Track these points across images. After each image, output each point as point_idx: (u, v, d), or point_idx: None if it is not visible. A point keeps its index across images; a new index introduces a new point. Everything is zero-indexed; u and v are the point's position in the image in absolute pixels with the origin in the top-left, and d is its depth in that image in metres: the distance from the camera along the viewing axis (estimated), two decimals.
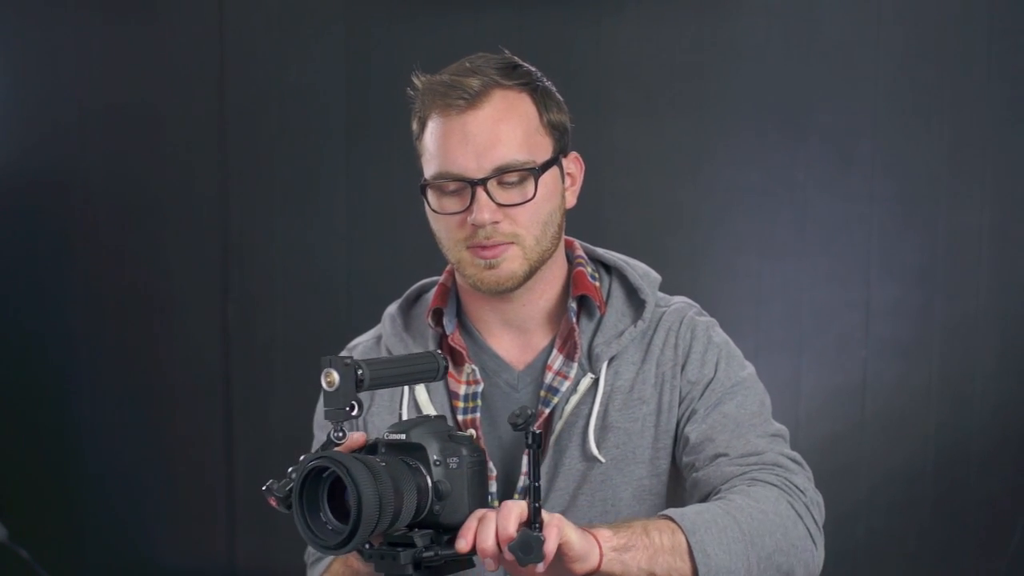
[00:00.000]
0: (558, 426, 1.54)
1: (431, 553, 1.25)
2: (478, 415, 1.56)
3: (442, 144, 1.49)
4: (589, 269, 1.61)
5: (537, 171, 1.50)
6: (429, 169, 1.52)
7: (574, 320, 1.57)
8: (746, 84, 3.10)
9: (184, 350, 3.31)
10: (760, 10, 3.08)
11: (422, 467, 1.26)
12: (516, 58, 1.56)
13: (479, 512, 1.26)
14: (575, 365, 1.56)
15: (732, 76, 3.10)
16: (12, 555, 2.78)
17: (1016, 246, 3.08)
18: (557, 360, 1.57)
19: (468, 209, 1.48)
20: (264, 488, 1.24)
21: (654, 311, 1.59)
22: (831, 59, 3.08)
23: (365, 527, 1.16)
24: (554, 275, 1.58)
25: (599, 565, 1.28)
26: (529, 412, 1.22)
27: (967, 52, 3.05)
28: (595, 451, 1.53)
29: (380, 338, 1.65)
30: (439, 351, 1.48)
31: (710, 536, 1.34)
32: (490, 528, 1.23)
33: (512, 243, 1.49)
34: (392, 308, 1.67)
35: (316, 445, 1.67)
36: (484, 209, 1.47)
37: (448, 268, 1.63)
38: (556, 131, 1.55)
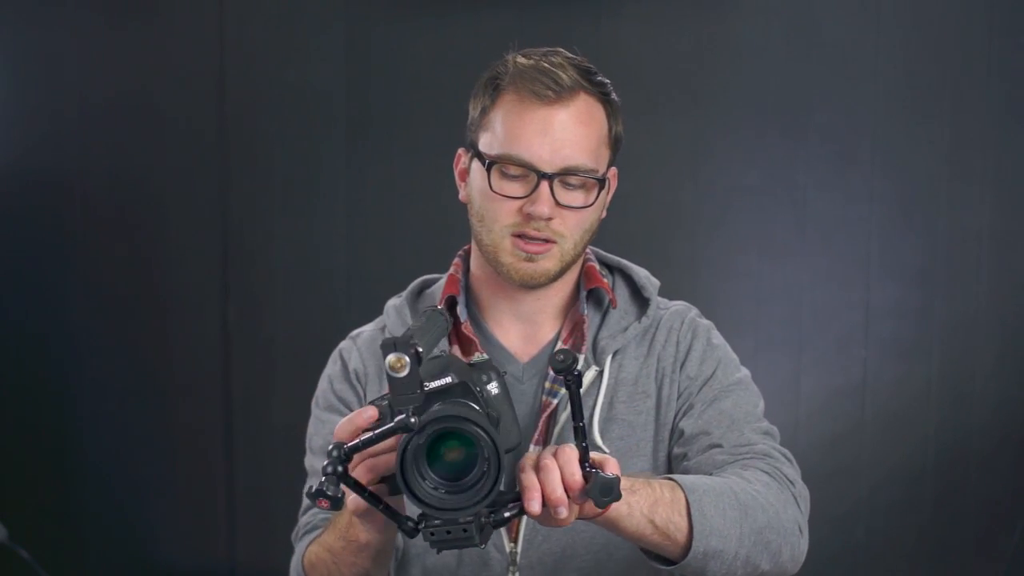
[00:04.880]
0: (563, 416, 1.56)
1: (500, 516, 1.19)
2: None
3: (519, 127, 1.50)
4: (598, 267, 1.65)
5: (601, 181, 1.52)
6: (494, 147, 1.51)
7: (585, 312, 1.59)
8: (746, 84, 3.10)
9: (184, 349, 3.31)
10: (760, 10, 3.08)
11: (474, 403, 1.20)
12: (590, 64, 1.57)
13: (527, 462, 1.21)
14: (581, 357, 1.57)
15: (732, 76, 3.10)
16: (12, 555, 2.77)
17: (1016, 246, 3.08)
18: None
19: (528, 198, 1.49)
20: (312, 492, 1.15)
21: (656, 311, 1.63)
22: (831, 59, 3.08)
23: (502, 471, 1.11)
24: (572, 273, 1.61)
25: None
26: (573, 355, 1.20)
27: (967, 52, 3.05)
28: (599, 442, 1.55)
29: (384, 328, 1.66)
30: (438, 307, 1.44)
31: (708, 499, 1.35)
32: (555, 477, 1.19)
33: (555, 242, 1.51)
34: (396, 300, 1.68)
35: (314, 424, 1.66)
36: (545, 203, 1.48)
37: (456, 261, 1.65)
38: (616, 145, 1.58)
